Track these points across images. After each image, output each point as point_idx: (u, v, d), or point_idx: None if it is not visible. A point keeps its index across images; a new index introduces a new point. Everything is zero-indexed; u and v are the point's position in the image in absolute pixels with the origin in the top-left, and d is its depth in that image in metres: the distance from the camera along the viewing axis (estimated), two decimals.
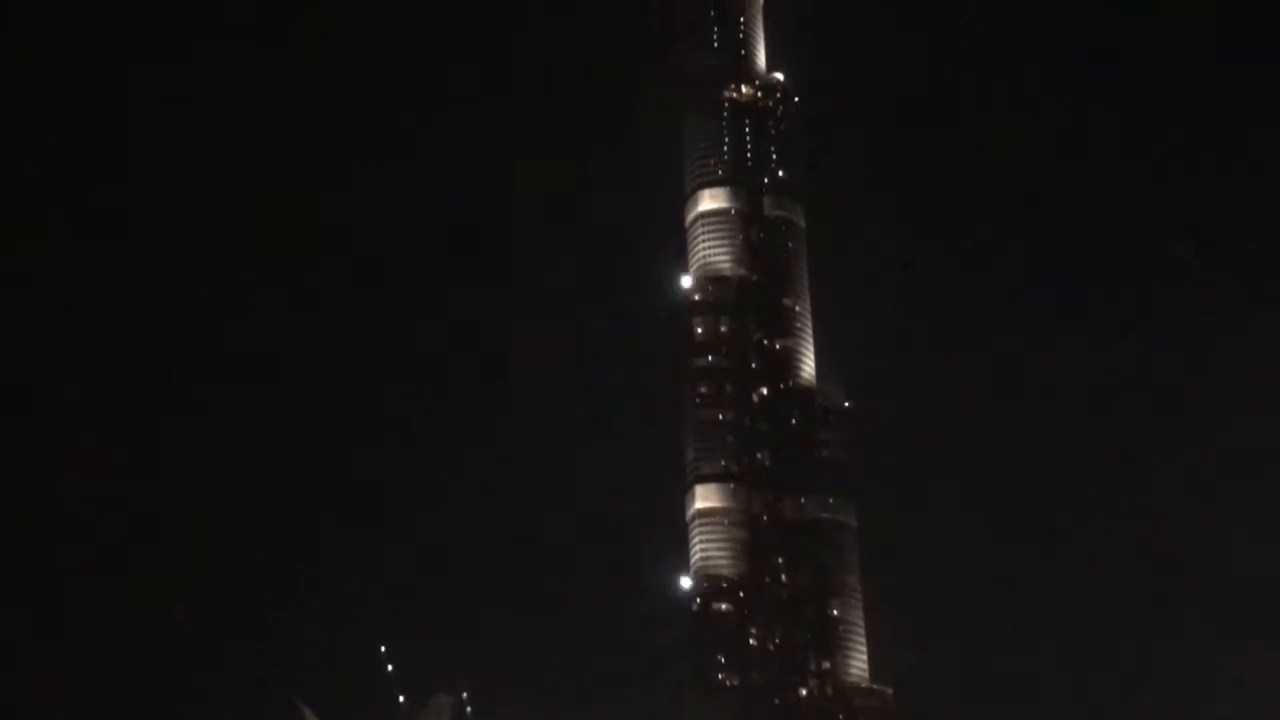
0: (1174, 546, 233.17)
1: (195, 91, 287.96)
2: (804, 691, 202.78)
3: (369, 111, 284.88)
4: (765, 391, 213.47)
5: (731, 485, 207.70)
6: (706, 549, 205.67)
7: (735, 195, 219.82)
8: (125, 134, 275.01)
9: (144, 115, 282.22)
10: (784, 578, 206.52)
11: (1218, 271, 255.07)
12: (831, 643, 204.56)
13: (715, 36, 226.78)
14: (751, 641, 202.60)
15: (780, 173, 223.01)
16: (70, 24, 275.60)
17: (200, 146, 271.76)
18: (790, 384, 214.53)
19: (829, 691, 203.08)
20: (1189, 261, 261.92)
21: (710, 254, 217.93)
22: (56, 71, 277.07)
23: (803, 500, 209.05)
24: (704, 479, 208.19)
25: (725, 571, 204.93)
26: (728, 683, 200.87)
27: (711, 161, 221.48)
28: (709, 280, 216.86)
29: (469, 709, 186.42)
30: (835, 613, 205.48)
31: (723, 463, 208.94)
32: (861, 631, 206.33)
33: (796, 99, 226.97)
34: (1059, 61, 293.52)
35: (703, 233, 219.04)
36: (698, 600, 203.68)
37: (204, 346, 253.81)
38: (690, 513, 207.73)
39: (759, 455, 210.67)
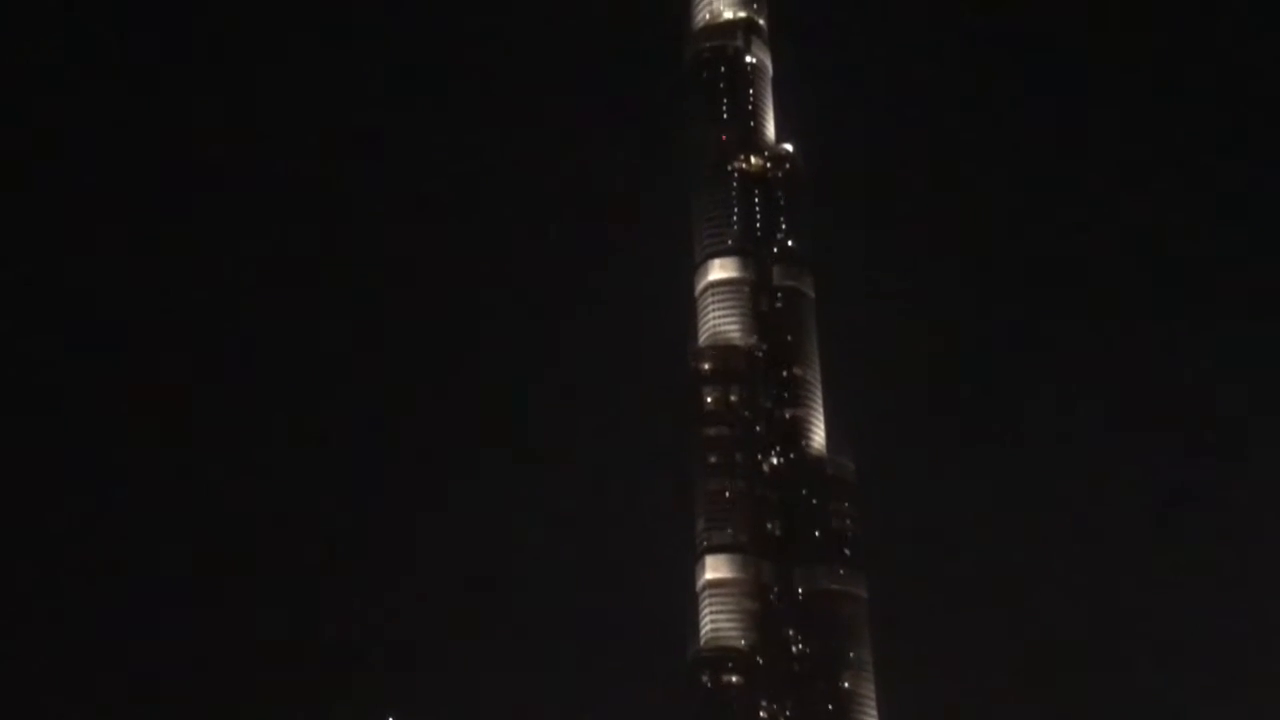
0: (1182, 610, 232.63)
1: None
2: None
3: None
4: (775, 461, 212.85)
5: (741, 556, 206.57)
6: (716, 620, 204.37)
7: (745, 265, 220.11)
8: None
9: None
10: (795, 649, 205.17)
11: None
12: (843, 715, 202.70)
13: (725, 108, 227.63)
14: (762, 715, 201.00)
15: (789, 243, 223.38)
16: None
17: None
18: (800, 454, 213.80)
19: None
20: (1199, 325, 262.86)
21: (720, 323, 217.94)
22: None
23: (813, 571, 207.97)
24: (714, 549, 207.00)
25: (735, 643, 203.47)
26: None
27: (721, 231, 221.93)
28: (718, 350, 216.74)
29: None
30: (847, 685, 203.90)
31: (732, 533, 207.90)
32: (873, 704, 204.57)
33: (805, 169, 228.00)
34: (1066, 128, 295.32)
35: (712, 302, 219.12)
36: (708, 672, 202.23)
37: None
38: (700, 584, 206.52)
39: (769, 526, 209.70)
